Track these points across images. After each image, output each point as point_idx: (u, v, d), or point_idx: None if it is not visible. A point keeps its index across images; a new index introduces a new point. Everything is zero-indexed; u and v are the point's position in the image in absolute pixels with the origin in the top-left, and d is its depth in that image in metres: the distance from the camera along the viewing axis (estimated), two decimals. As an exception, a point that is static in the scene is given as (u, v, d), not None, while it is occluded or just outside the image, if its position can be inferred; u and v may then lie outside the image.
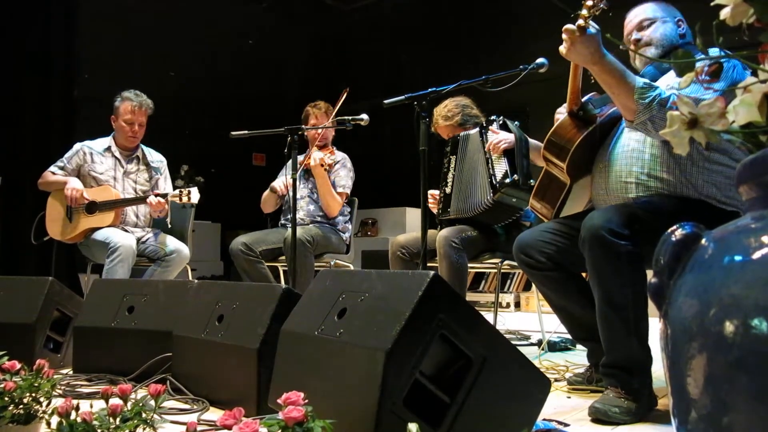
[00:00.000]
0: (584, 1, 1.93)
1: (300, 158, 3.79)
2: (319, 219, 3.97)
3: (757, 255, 0.64)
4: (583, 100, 2.28)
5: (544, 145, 2.32)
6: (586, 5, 1.93)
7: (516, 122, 3.29)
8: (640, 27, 2.31)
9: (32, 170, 3.99)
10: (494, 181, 3.17)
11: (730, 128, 0.71)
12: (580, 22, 1.94)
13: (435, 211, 3.53)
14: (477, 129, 3.38)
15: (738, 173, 0.72)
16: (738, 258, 0.66)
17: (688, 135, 0.73)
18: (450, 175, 3.46)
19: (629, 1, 2.37)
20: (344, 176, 4.03)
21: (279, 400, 1.02)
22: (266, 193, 4.06)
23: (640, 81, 2.00)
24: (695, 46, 2.19)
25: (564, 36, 1.98)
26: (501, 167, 3.19)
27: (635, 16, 2.34)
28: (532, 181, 3.08)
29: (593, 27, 1.96)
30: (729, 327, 0.62)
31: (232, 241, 3.80)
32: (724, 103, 0.71)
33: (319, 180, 3.85)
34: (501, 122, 3.29)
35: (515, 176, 3.10)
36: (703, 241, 0.72)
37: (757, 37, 0.75)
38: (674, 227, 0.75)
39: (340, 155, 4.12)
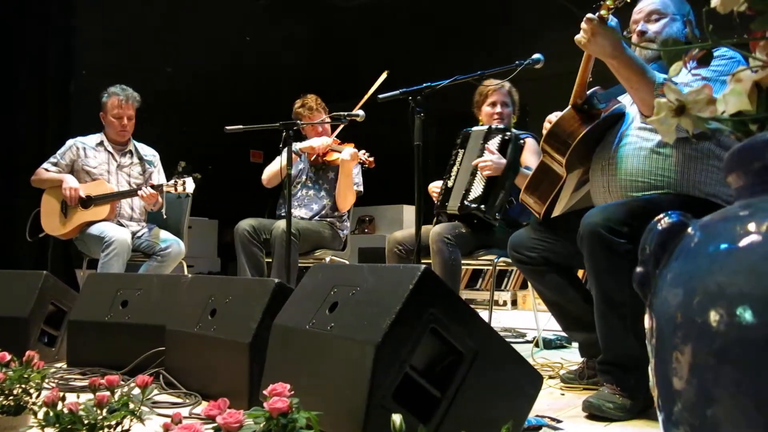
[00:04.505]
0: None
1: (315, 141, 3.79)
2: (334, 215, 3.95)
3: (742, 243, 0.63)
4: (588, 93, 2.23)
5: (544, 138, 2.28)
6: None
7: (521, 139, 3.26)
8: (648, 19, 2.24)
9: (28, 166, 3.98)
10: (465, 199, 3.21)
11: (719, 116, 0.70)
12: (603, 12, 1.90)
13: (438, 196, 3.48)
14: (485, 129, 3.33)
15: (726, 162, 0.71)
16: (723, 246, 0.65)
17: (675, 122, 0.72)
18: (455, 169, 3.40)
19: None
20: (356, 173, 3.96)
21: (265, 392, 1.01)
22: (277, 162, 3.95)
23: (660, 77, 1.98)
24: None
25: (584, 26, 1.94)
26: (477, 188, 3.21)
27: (647, 5, 2.26)
28: (498, 215, 3.15)
29: (613, 19, 1.93)
30: (713, 316, 0.61)
31: (239, 222, 3.75)
32: (712, 90, 0.70)
33: (344, 173, 3.79)
34: (500, 141, 3.24)
35: (482, 206, 3.15)
36: (690, 229, 0.71)
37: (749, 25, 0.74)
38: (661, 215, 0.74)
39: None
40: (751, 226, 0.63)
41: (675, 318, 0.66)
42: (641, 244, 0.75)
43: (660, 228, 0.72)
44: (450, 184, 3.38)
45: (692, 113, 0.70)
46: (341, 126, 3.99)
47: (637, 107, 2.14)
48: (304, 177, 4.01)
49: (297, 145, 3.92)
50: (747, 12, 0.73)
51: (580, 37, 1.97)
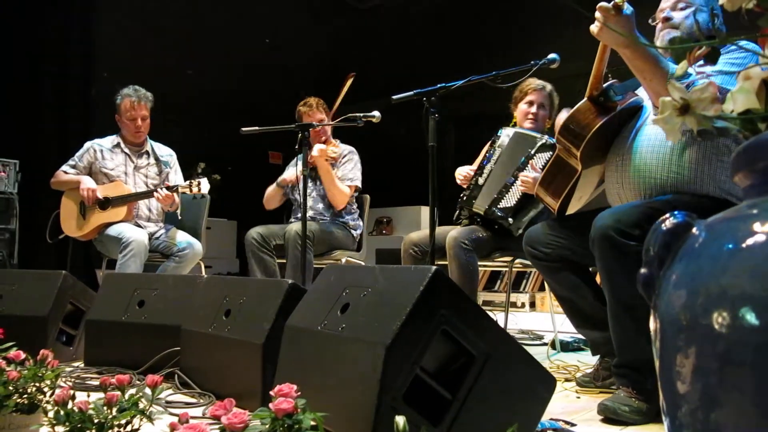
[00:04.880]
0: None
1: (319, 146, 3.80)
2: (327, 216, 3.94)
3: (746, 243, 0.61)
4: (604, 85, 2.19)
5: (559, 131, 2.24)
6: None
7: None
8: (675, 7, 2.20)
9: (50, 168, 4.02)
10: (495, 206, 3.18)
11: (726, 115, 0.69)
12: (618, 0, 1.88)
13: (464, 185, 3.42)
14: (536, 139, 3.25)
15: (733, 161, 0.69)
16: (727, 246, 0.63)
17: (680, 121, 0.71)
18: (489, 167, 3.32)
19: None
20: (351, 169, 3.96)
21: (272, 392, 1.01)
22: (271, 188, 4.05)
23: (673, 67, 1.94)
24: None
25: (597, 14, 1.92)
26: (511, 199, 3.18)
27: None
28: (521, 229, 3.13)
29: (629, 8, 1.91)
30: (716, 318, 0.60)
31: (249, 231, 3.80)
32: (717, 89, 0.69)
33: (321, 171, 3.82)
34: (548, 159, 3.08)
35: (510, 219, 3.15)
36: (695, 229, 0.70)
37: (757, 22, 0.73)
38: (665, 216, 0.72)
39: (346, 148, 4.06)
40: (756, 226, 0.61)
41: (679, 320, 0.64)
42: (645, 245, 0.74)
43: (664, 228, 0.71)
44: (481, 181, 3.30)
45: (697, 112, 0.69)
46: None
47: (651, 99, 2.10)
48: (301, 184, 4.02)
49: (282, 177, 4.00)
50: (755, 9, 0.72)
51: (593, 27, 1.96)
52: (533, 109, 3.38)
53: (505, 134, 3.36)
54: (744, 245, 0.62)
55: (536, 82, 3.32)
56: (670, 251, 0.70)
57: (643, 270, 0.74)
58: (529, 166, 3.16)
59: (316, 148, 3.75)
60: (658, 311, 0.70)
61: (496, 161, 3.31)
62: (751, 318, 0.57)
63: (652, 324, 0.72)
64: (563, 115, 2.24)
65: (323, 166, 3.80)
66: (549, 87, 3.39)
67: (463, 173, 3.42)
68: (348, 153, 4.05)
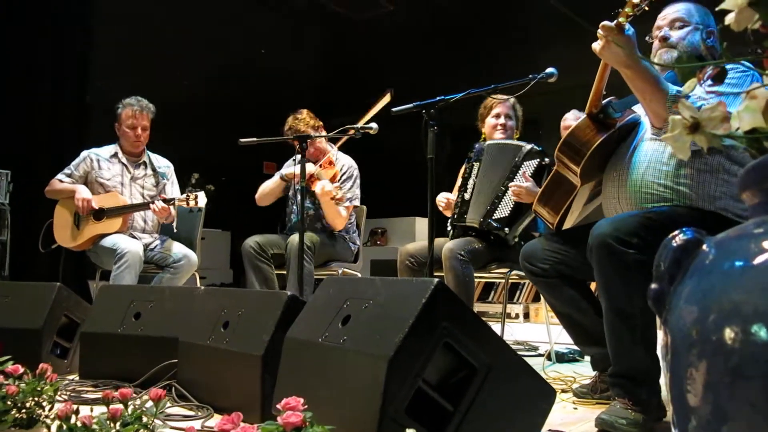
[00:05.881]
0: None
1: (309, 167, 3.74)
2: (319, 227, 3.93)
3: (757, 261, 0.63)
4: (603, 102, 2.23)
5: (559, 147, 2.27)
6: (631, 2, 1.87)
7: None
8: (672, 26, 2.22)
9: (44, 177, 4.00)
10: (490, 217, 3.23)
11: (733, 133, 0.70)
12: (621, 19, 1.90)
13: (447, 214, 3.49)
14: (519, 147, 3.31)
15: (740, 179, 0.71)
16: (738, 263, 0.65)
17: (689, 139, 0.72)
18: (471, 182, 3.40)
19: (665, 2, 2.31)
20: (350, 187, 3.93)
21: (278, 406, 1.01)
22: (271, 182, 3.98)
23: (673, 89, 1.97)
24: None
25: (600, 32, 1.94)
26: (504, 209, 3.22)
27: (673, 12, 2.24)
28: (517, 238, 3.19)
29: (630, 28, 1.93)
30: (728, 333, 0.61)
31: (246, 240, 3.78)
32: (726, 107, 0.70)
33: (323, 202, 3.75)
34: (537, 167, 3.24)
35: (506, 229, 3.20)
36: (704, 246, 0.71)
37: (763, 43, 0.74)
38: (675, 232, 0.74)
39: (346, 163, 4.01)
40: (766, 244, 0.63)
41: (690, 335, 0.66)
42: (656, 261, 0.75)
43: (675, 245, 0.72)
44: (467, 196, 3.38)
45: (707, 131, 0.70)
46: (344, 139, 3.98)
47: (649, 118, 2.13)
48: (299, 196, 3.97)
49: (285, 170, 3.96)
50: (761, 30, 0.73)
51: (596, 45, 1.98)
52: (501, 120, 3.48)
53: (479, 148, 3.45)
54: (755, 263, 0.63)
55: (499, 96, 3.36)
56: (680, 267, 0.71)
57: (653, 285, 0.75)
58: (519, 174, 3.20)
59: (319, 186, 3.67)
60: (668, 326, 0.71)
61: (477, 175, 3.39)
62: (763, 334, 0.58)
63: (662, 338, 0.73)
64: (570, 116, 2.27)
65: (326, 200, 3.71)
66: (512, 99, 3.46)
67: (444, 199, 3.48)
68: (347, 169, 3.99)
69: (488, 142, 3.45)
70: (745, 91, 0.70)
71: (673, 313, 0.70)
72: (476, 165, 3.41)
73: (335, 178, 3.81)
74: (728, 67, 1.95)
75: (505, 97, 3.36)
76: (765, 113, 0.71)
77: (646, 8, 1.90)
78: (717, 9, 0.77)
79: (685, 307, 0.68)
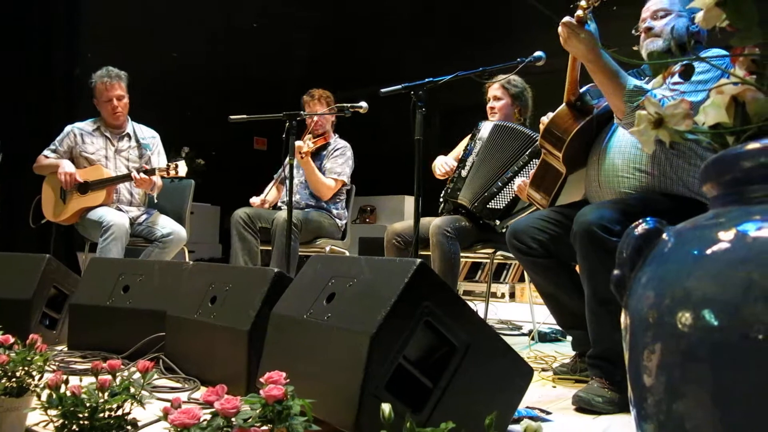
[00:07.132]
0: None
1: (297, 143, 3.79)
2: (313, 204, 3.98)
3: (709, 250, 0.67)
4: (581, 90, 2.29)
5: (541, 135, 2.33)
6: None
7: None
8: (655, 16, 2.26)
9: (33, 151, 3.99)
10: (486, 204, 3.22)
11: (694, 128, 0.74)
12: (579, 13, 1.94)
13: (440, 178, 3.47)
14: (527, 137, 3.26)
15: (702, 172, 0.75)
16: (692, 252, 0.69)
17: (654, 134, 0.76)
18: (471, 160, 3.36)
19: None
20: (340, 163, 4.00)
21: (262, 379, 1.05)
22: (271, 189, 4.15)
23: (631, 83, 2.02)
24: (702, 45, 2.19)
25: (560, 29, 2.00)
26: (502, 201, 3.22)
27: (654, 3, 2.29)
28: (505, 228, 3.14)
29: (591, 22, 1.97)
30: (680, 318, 0.65)
31: (236, 210, 3.82)
32: (689, 105, 0.74)
33: (303, 166, 3.87)
34: None
35: (498, 221, 3.22)
36: (665, 235, 0.75)
37: (729, 42, 0.77)
38: (638, 222, 0.78)
39: (341, 143, 4.11)
40: (720, 235, 0.67)
41: (647, 318, 0.70)
42: (618, 248, 0.79)
43: (636, 233, 0.76)
44: (464, 173, 3.34)
45: (669, 126, 0.74)
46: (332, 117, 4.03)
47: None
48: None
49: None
50: (728, 28, 0.76)
51: (561, 38, 2.04)
52: (490, 102, 3.50)
53: (485, 127, 3.41)
54: (708, 252, 0.67)
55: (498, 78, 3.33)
56: (641, 254, 0.76)
57: (615, 271, 0.79)
58: (526, 171, 3.19)
59: (297, 144, 3.74)
60: (629, 310, 0.75)
61: (478, 154, 3.35)
62: (711, 319, 0.63)
63: (623, 321, 0.77)
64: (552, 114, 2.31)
65: (302, 162, 3.81)
66: (501, 77, 3.32)
67: (444, 167, 3.46)
68: (341, 147, 4.08)
69: (495, 123, 3.40)
70: (707, 90, 0.74)
71: (632, 297, 0.74)
72: (479, 143, 3.36)
73: (308, 152, 3.87)
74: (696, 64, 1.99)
75: (505, 74, 3.31)
76: (728, 109, 0.75)
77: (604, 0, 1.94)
78: (688, 6, 0.80)
79: (643, 292, 0.72)
